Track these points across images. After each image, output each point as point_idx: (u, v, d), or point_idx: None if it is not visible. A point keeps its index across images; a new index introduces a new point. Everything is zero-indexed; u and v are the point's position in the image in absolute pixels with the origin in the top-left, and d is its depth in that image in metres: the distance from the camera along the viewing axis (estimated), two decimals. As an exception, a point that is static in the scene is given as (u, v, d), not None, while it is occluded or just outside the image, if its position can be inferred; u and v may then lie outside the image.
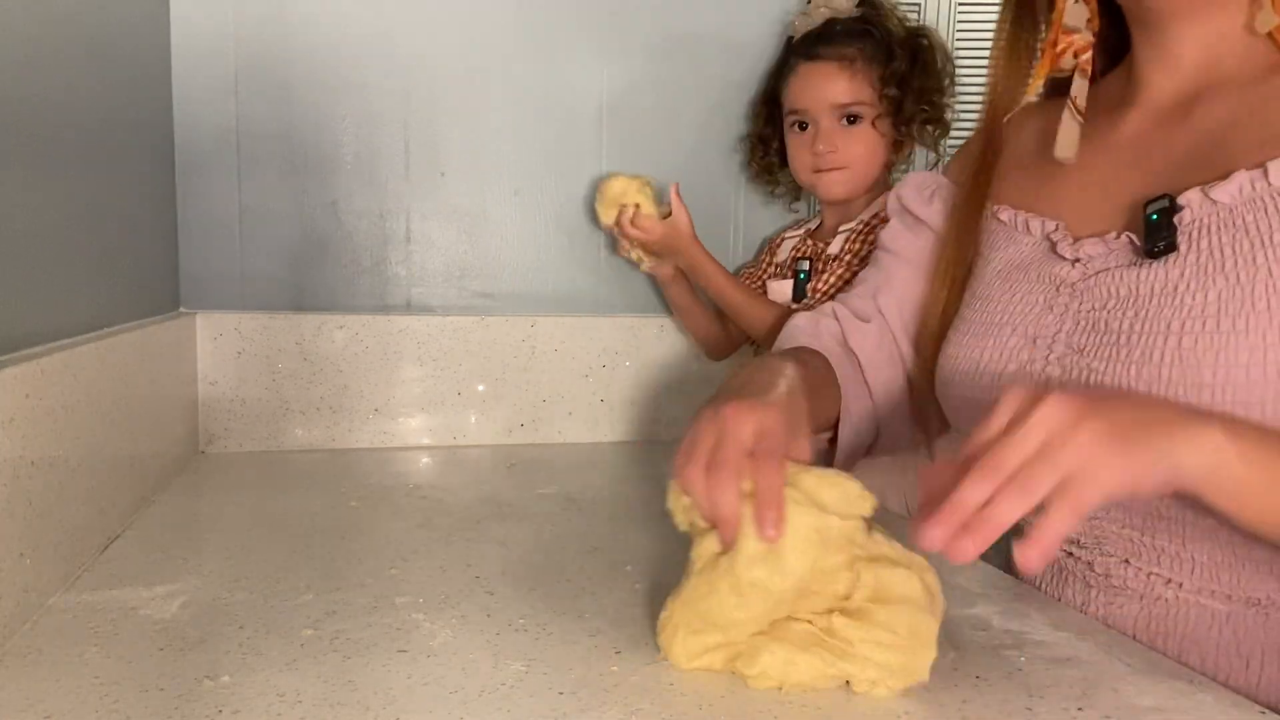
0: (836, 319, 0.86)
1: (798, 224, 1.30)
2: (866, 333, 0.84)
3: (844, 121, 1.14)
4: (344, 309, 1.22)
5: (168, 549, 0.80)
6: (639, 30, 1.27)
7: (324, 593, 0.70)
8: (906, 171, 1.20)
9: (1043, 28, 0.75)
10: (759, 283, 1.27)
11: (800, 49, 1.17)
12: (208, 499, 0.99)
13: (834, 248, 1.17)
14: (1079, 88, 0.72)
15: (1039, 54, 0.76)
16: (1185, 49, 0.67)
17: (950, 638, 0.63)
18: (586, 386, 1.29)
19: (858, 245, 1.13)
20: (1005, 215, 0.76)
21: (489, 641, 0.62)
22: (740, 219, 1.34)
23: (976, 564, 0.77)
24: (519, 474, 1.12)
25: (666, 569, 0.77)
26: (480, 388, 1.26)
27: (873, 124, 1.13)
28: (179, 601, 0.68)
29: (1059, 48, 0.73)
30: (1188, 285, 0.60)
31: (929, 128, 1.16)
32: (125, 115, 0.97)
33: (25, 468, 0.64)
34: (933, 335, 0.80)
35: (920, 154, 1.22)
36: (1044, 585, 0.74)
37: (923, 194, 0.86)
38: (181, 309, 1.18)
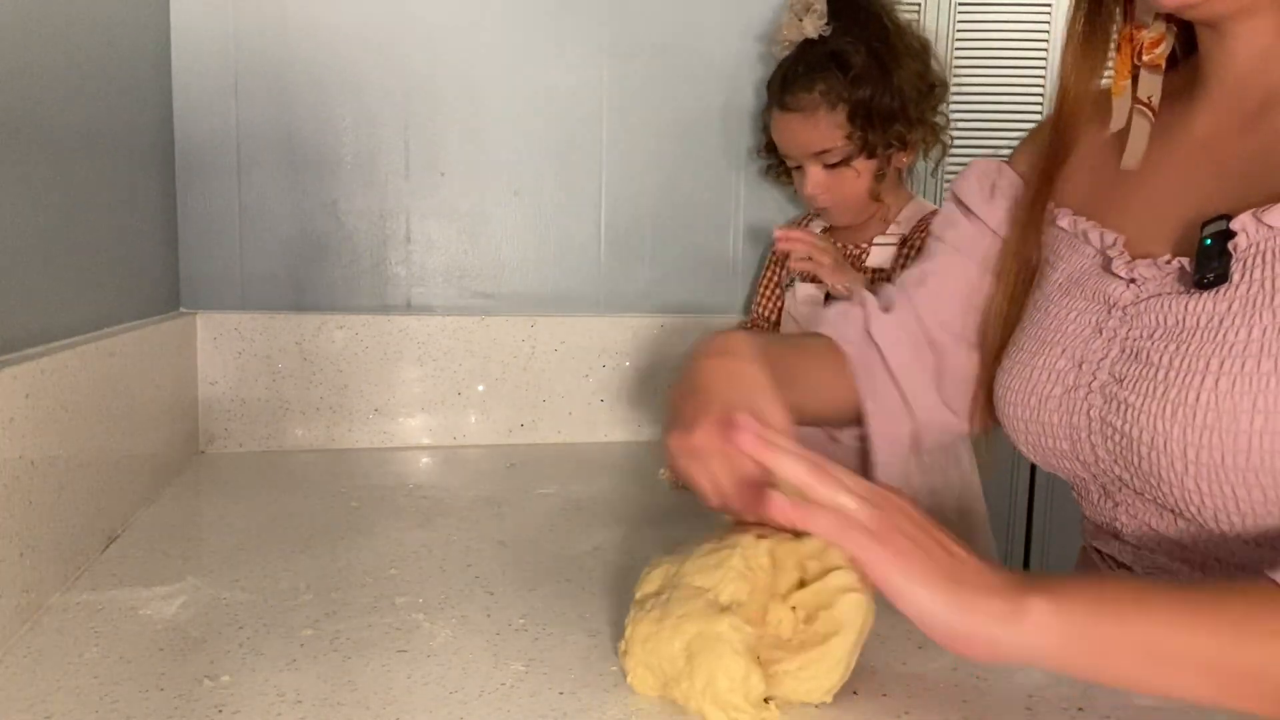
0: (864, 306, 0.83)
1: (807, 218, 1.29)
2: (886, 322, 0.80)
3: (824, 165, 1.14)
4: (344, 309, 1.22)
5: (168, 549, 0.80)
6: (639, 30, 1.27)
7: (324, 593, 0.70)
8: (927, 161, 1.19)
9: (1117, 19, 0.70)
10: (774, 282, 1.27)
11: (772, 93, 1.17)
12: (208, 499, 0.99)
13: (876, 260, 1.15)
14: (1150, 85, 0.68)
15: (1115, 46, 0.70)
16: (1245, 47, 0.63)
17: (950, 638, 0.63)
18: (586, 386, 1.29)
19: (910, 256, 1.12)
20: (1065, 222, 0.72)
21: (489, 641, 0.62)
22: (740, 219, 1.34)
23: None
24: (519, 474, 1.12)
25: (666, 569, 0.77)
26: (480, 388, 1.26)
27: (849, 164, 1.13)
28: (179, 601, 0.68)
29: (1134, 42, 0.68)
30: (1233, 320, 0.56)
31: (906, 150, 1.15)
32: (125, 116, 0.97)
33: (25, 468, 0.64)
34: (993, 342, 0.76)
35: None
36: None
37: (983, 187, 0.80)
38: (181, 309, 1.18)
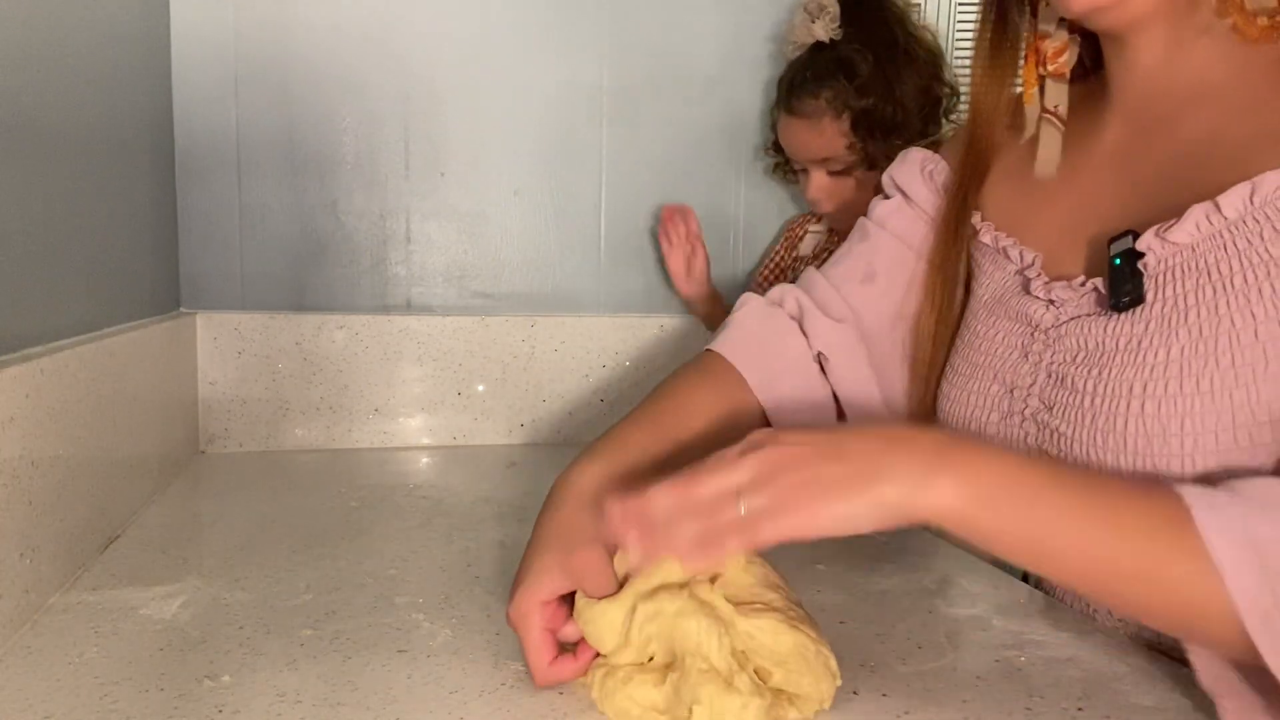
0: (800, 314, 0.79)
1: (816, 215, 1.29)
2: (835, 332, 0.78)
3: (828, 172, 1.15)
4: (344, 309, 1.22)
5: (168, 549, 0.80)
6: (639, 31, 1.27)
7: (324, 593, 0.70)
8: None
9: (1024, 31, 0.70)
10: (778, 270, 1.27)
11: (780, 96, 1.18)
12: (208, 499, 0.99)
13: None
14: (1056, 94, 0.68)
15: (1023, 59, 0.70)
16: (1146, 56, 0.63)
17: (950, 638, 0.63)
18: (586, 386, 1.29)
19: None
20: (987, 238, 0.71)
21: (489, 641, 0.62)
22: (740, 219, 1.34)
23: (978, 565, 0.77)
24: (519, 474, 1.12)
25: (666, 569, 0.77)
26: (480, 388, 1.26)
27: (850, 173, 1.14)
28: (179, 601, 0.68)
29: (1039, 51, 0.69)
30: (1150, 340, 0.55)
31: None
32: (126, 116, 0.97)
33: (25, 468, 0.64)
34: (924, 358, 0.75)
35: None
36: (1073, 604, 0.69)
37: (924, 176, 0.79)
38: (181, 309, 1.18)
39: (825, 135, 1.12)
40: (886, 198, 0.82)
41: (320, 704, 0.53)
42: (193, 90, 1.15)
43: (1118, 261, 0.57)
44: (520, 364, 1.26)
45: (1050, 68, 0.68)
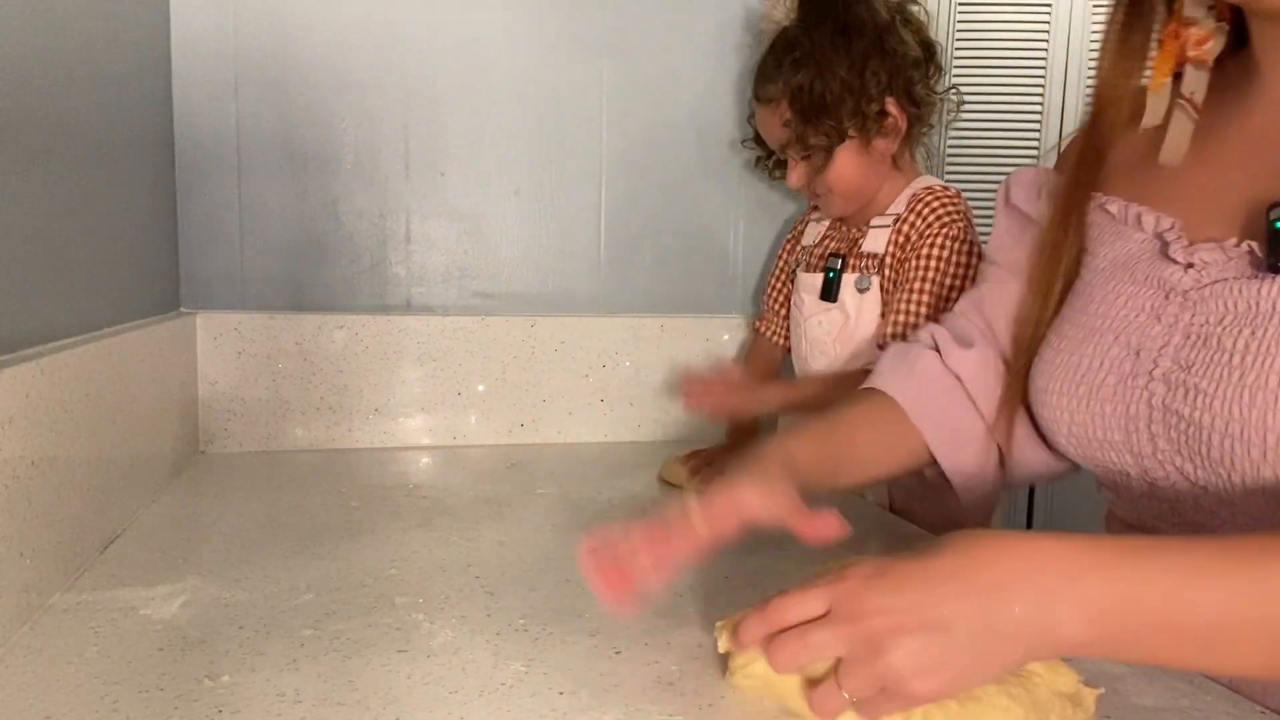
0: (936, 347, 0.80)
1: (813, 206, 1.27)
2: (967, 358, 0.78)
3: (801, 157, 1.11)
4: (344, 309, 1.22)
5: (168, 549, 0.80)
6: (639, 30, 1.27)
7: (324, 593, 0.70)
8: (925, 136, 1.16)
9: (1160, 16, 0.68)
10: (785, 272, 1.26)
11: (752, 87, 1.15)
12: (208, 499, 0.99)
13: (871, 245, 1.12)
14: (1195, 82, 0.66)
15: (1156, 44, 0.68)
16: None
17: (950, 638, 0.63)
18: (586, 386, 1.29)
19: (901, 242, 1.09)
20: (1114, 207, 0.69)
21: (489, 641, 0.62)
22: (741, 218, 1.34)
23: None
24: (519, 474, 1.12)
25: (666, 569, 0.77)
26: (480, 388, 1.26)
27: (809, 156, 1.10)
28: (179, 601, 0.68)
29: (1180, 39, 0.66)
30: None
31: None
32: (126, 115, 0.97)
33: (25, 468, 0.64)
34: (1030, 339, 0.74)
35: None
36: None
37: (1032, 192, 0.79)
38: (181, 309, 1.18)
39: (783, 118, 1.09)
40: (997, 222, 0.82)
41: (320, 704, 0.53)
42: (193, 90, 1.15)
43: (1278, 225, 0.57)
44: (520, 364, 1.26)
45: (1193, 54, 0.66)
